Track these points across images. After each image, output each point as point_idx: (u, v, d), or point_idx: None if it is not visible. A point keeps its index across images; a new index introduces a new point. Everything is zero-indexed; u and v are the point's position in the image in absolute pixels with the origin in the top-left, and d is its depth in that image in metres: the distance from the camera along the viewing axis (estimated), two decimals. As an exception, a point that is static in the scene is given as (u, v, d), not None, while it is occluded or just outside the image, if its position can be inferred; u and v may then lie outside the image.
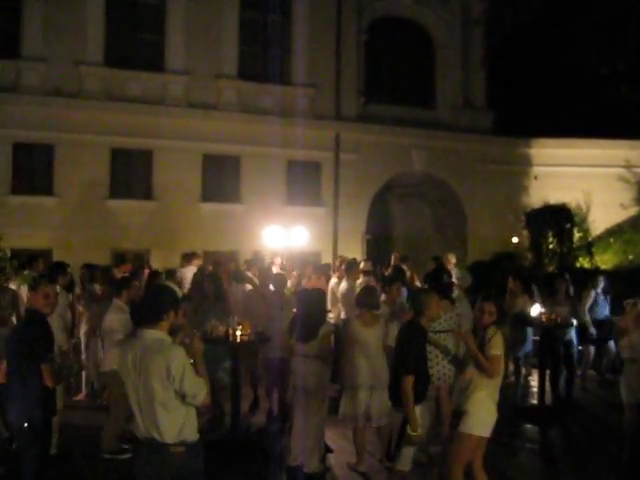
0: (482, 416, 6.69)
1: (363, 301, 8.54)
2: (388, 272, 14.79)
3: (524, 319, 11.60)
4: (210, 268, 14.07)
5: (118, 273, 13.68)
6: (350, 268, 13.20)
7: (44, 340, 6.53)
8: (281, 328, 9.39)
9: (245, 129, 20.08)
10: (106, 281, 12.08)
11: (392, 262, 16.43)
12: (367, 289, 9.02)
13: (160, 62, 20.10)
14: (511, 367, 12.57)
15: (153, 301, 5.24)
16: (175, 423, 4.97)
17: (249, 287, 12.66)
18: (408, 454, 7.18)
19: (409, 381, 6.91)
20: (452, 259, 16.54)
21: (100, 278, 12.41)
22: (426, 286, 10.27)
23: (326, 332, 8.29)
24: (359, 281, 13.03)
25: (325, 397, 8.34)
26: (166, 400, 4.93)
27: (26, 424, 6.34)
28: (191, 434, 5.08)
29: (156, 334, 5.07)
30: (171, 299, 5.24)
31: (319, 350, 8.15)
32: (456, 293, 10.59)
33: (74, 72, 18.95)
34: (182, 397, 4.94)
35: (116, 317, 9.13)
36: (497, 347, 6.75)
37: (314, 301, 8.43)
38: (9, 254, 12.08)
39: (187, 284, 12.58)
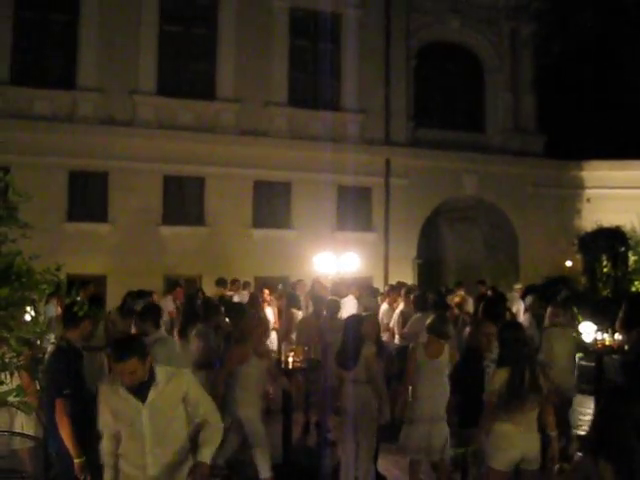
0: (499, 448, 6.37)
1: (435, 329, 8.17)
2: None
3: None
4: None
5: (158, 299, 13.88)
6: (408, 294, 13.07)
7: (67, 374, 6.43)
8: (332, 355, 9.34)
9: (295, 155, 20.23)
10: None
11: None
12: (441, 317, 8.55)
13: (211, 90, 20.37)
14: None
15: None
16: None
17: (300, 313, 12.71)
18: None
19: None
20: (516, 286, 16.45)
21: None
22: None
23: (367, 354, 8.06)
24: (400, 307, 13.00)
25: (375, 423, 8.19)
26: None
27: (55, 453, 6.41)
28: None
29: None
30: None
31: (365, 374, 8.05)
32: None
33: (128, 101, 19.34)
34: None
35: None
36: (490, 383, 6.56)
37: (351, 327, 8.37)
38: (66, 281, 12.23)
39: None
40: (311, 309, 12.58)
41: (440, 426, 7.79)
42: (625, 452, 4.26)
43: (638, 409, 4.46)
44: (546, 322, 10.53)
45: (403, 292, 13.49)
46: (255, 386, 8.03)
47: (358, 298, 14.46)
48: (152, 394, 5.13)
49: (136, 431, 5.15)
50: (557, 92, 24.15)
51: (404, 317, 12.53)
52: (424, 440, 7.88)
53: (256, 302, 13.61)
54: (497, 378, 6.39)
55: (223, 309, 10.71)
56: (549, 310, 10.77)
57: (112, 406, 5.24)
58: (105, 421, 5.35)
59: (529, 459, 6.34)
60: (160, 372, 5.22)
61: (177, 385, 5.25)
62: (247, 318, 9.69)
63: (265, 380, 8.28)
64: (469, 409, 7.07)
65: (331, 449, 10.04)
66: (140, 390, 5.11)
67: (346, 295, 14.17)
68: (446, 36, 23.53)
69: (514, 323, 7.49)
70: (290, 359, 9.10)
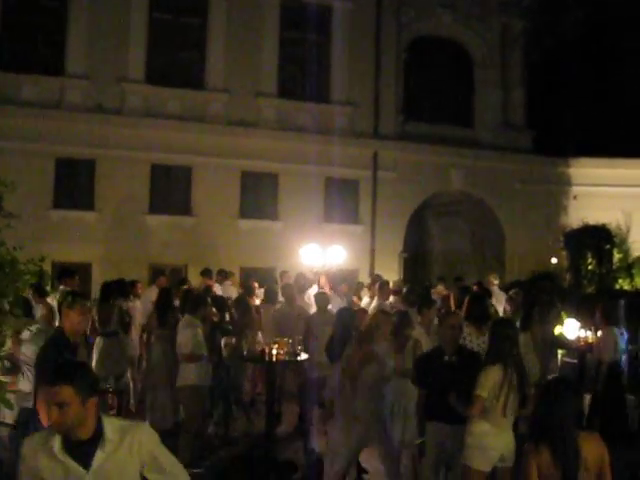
0: (480, 448, 6.34)
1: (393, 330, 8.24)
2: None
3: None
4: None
5: (141, 288, 13.88)
6: (382, 288, 13.22)
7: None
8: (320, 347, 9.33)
9: (284, 147, 20.19)
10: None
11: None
12: (401, 316, 8.63)
13: (200, 80, 20.33)
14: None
15: None
16: None
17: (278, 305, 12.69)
18: None
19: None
20: (494, 280, 16.42)
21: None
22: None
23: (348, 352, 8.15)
24: (389, 301, 13.05)
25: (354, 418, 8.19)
26: None
27: None
28: None
29: None
30: None
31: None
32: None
33: (116, 89, 19.25)
34: None
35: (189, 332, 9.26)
36: (480, 386, 6.29)
37: (341, 320, 8.37)
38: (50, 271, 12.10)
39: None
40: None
41: (405, 419, 7.93)
42: (561, 438, 4.64)
43: (573, 399, 4.83)
44: None
45: (377, 286, 13.59)
46: (373, 393, 7.45)
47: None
48: (99, 457, 3.72)
49: None
50: (547, 88, 24.20)
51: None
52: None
53: (251, 292, 13.62)
54: (490, 376, 6.29)
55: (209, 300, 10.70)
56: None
57: (38, 471, 3.75)
58: None
59: (506, 458, 6.36)
60: (110, 427, 3.79)
61: (134, 445, 3.82)
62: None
63: (381, 384, 7.53)
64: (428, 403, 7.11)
65: (315, 441, 10.07)
66: (82, 451, 3.71)
67: (310, 286, 14.29)
68: (437, 31, 23.50)
69: (507, 320, 7.53)
70: (274, 351, 9.07)
